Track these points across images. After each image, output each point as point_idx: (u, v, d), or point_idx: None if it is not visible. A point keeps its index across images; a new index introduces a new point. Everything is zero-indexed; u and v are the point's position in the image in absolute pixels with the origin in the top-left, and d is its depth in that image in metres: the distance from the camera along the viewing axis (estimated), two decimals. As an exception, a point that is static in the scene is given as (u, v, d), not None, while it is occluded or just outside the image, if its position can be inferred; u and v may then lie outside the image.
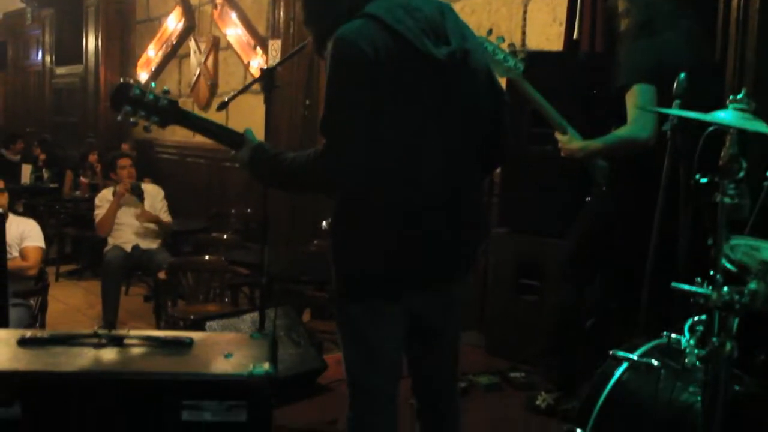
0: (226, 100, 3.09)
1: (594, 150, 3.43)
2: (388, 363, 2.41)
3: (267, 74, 2.99)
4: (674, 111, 2.56)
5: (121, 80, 2.33)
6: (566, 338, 3.75)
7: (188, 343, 1.53)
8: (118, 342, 1.54)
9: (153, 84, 2.40)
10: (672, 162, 2.77)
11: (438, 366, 2.59)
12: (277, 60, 6.60)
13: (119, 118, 2.29)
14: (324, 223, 2.53)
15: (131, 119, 2.28)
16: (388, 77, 2.18)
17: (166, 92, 2.31)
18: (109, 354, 1.51)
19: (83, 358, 1.49)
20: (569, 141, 3.46)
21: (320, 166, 2.21)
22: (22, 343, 1.52)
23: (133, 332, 1.55)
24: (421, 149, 2.26)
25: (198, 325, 3.80)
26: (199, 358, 1.49)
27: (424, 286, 2.37)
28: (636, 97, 3.20)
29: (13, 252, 4.68)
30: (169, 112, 2.29)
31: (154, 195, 6.28)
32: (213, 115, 2.47)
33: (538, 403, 3.83)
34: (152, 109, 2.27)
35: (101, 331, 1.54)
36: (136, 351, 1.53)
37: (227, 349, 1.50)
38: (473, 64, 2.35)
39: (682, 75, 2.79)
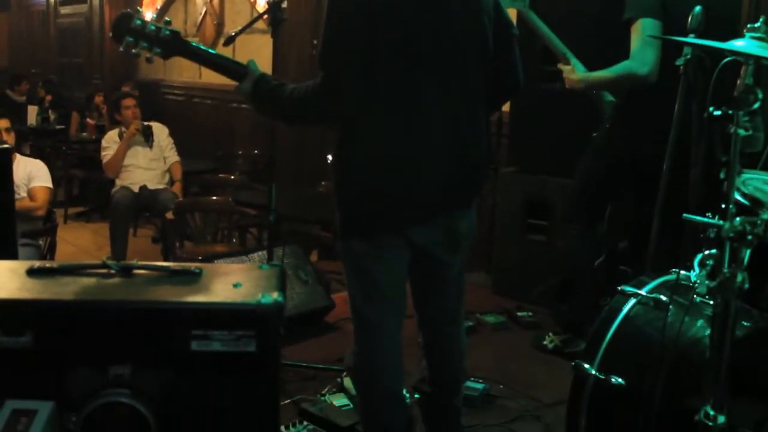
0: (233, 34, 3.05)
1: (595, 82, 3.38)
2: (392, 297, 2.42)
3: (274, 7, 2.94)
4: (677, 38, 2.50)
5: (122, 11, 2.29)
6: (575, 282, 3.76)
7: (197, 273, 1.52)
8: (126, 272, 1.53)
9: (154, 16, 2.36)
10: (685, 97, 2.73)
11: (444, 301, 2.59)
12: (284, -3, 6.50)
13: (121, 49, 2.26)
14: (329, 156, 2.52)
15: (133, 50, 2.25)
16: (387, 9, 2.17)
17: (168, 23, 2.27)
18: (118, 283, 1.51)
19: (93, 287, 1.49)
20: (572, 72, 3.43)
21: (318, 97, 2.22)
22: (31, 273, 1.52)
23: (141, 262, 1.54)
24: (420, 82, 2.25)
25: (206, 265, 3.81)
26: (207, 287, 1.48)
27: (426, 219, 2.37)
28: (640, 32, 3.15)
29: (21, 192, 4.68)
30: (171, 42, 2.26)
31: (158, 133, 6.25)
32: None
33: (545, 343, 3.86)
34: (154, 40, 2.24)
35: (109, 262, 1.53)
36: (146, 280, 1.52)
37: (236, 279, 1.49)
38: None
39: (698, 8, 2.74)
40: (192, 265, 1.55)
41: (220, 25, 8.18)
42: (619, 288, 2.42)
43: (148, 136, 6.13)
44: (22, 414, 1.41)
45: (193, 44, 2.34)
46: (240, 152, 7.26)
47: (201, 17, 8.41)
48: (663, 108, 2.94)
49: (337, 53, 2.21)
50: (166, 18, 2.34)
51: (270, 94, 2.35)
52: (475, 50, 2.33)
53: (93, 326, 1.42)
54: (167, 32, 2.25)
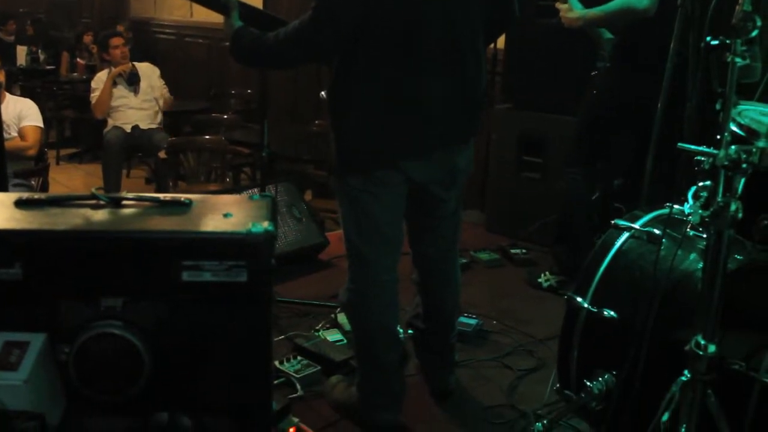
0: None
1: (593, 18, 3.34)
2: (388, 233, 2.42)
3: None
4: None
5: None
6: (574, 225, 3.75)
7: (187, 204, 1.51)
8: (116, 203, 1.51)
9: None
10: (682, 29, 2.69)
11: (439, 238, 2.59)
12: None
13: None
14: (322, 93, 2.49)
15: None
16: None
17: None
18: (108, 214, 1.49)
19: (83, 217, 1.47)
20: (569, 10, 3.38)
21: (311, 25, 2.20)
22: (20, 204, 1.50)
23: (131, 194, 1.52)
24: (419, 17, 2.22)
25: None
26: (198, 218, 1.47)
27: (424, 154, 2.35)
28: None
29: (12, 132, 4.64)
30: None
31: (149, 75, 6.17)
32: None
33: (540, 280, 3.88)
34: None
35: (99, 193, 1.51)
36: (136, 211, 1.50)
37: (226, 209, 1.47)
38: None
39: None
40: (182, 196, 1.53)
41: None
42: (613, 222, 2.42)
43: (133, 82, 6.05)
44: (14, 346, 1.41)
45: None
46: (233, 91, 7.19)
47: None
48: (663, 46, 2.89)
49: None
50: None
51: (258, 32, 2.33)
52: None
53: (83, 257, 1.40)
54: None
